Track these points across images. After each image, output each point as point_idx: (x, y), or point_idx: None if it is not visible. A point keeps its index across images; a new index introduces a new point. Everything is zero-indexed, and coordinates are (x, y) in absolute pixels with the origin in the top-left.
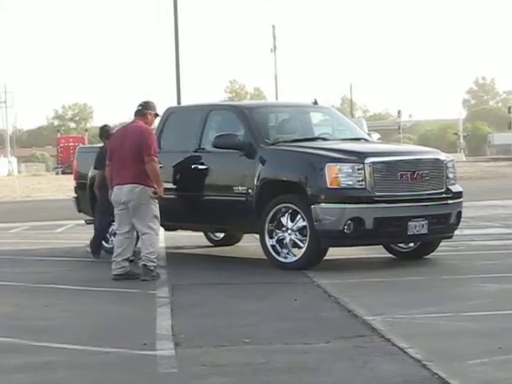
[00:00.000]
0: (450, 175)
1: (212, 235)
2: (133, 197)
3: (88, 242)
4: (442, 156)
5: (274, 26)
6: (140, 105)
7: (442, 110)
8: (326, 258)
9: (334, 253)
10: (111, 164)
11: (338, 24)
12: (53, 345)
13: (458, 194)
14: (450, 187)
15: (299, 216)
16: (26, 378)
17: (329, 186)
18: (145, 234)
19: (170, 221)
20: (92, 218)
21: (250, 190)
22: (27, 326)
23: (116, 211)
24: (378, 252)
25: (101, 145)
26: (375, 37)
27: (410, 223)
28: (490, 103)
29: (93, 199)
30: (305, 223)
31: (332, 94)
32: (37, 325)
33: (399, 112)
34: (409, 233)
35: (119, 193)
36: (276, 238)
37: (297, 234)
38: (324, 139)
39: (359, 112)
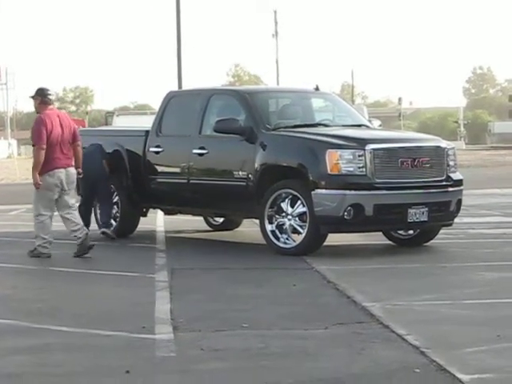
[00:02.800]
0: (451, 163)
1: (212, 220)
2: (74, 177)
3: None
4: (443, 143)
5: (275, 12)
6: (51, 94)
7: (442, 98)
8: (325, 244)
9: (333, 239)
10: (50, 147)
11: (340, 10)
12: (51, 327)
13: (459, 182)
14: (451, 175)
15: (299, 202)
16: (24, 359)
17: (329, 172)
18: (76, 210)
19: (170, 205)
20: None
21: (250, 175)
22: (26, 308)
23: (56, 193)
24: (377, 239)
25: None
26: (376, 25)
27: (409, 210)
28: (490, 92)
29: None
30: (305, 209)
31: (332, 80)
32: (35, 307)
33: (400, 99)
34: (409, 220)
35: (70, 174)
36: (276, 223)
37: (296, 219)
38: (325, 125)
39: (358, 99)
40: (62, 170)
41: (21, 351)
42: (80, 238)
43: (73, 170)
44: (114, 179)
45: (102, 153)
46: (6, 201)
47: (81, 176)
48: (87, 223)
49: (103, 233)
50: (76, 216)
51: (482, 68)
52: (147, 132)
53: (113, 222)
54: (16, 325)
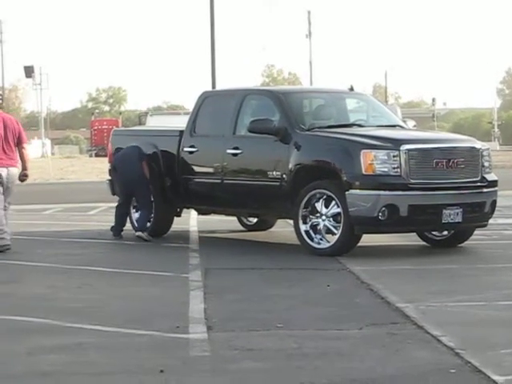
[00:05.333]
0: (486, 164)
1: (245, 220)
2: (15, 178)
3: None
4: (478, 144)
5: (309, 12)
6: (1, 98)
7: (476, 99)
8: (359, 244)
9: (366, 239)
10: None
11: (373, 11)
12: (86, 326)
13: (493, 183)
14: (485, 176)
15: (333, 202)
16: (59, 358)
17: (364, 172)
18: (7, 209)
19: (204, 205)
20: None
21: (284, 176)
22: (61, 308)
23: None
24: (411, 239)
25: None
26: (410, 25)
27: (444, 211)
28: None
29: None
30: (339, 209)
31: (365, 80)
32: (70, 306)
33: (433, 100)
34: (443, 221)
35: (11, 174)
36: (310, 223)
37: (331, 220)
38: (359, 126)
39: (391, 99)
40: (4, 169)
41: (55, 350)
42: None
43: (14, 170)
44: (149, 179)
45: (140, 154)
46: (40, 200)
47: (26, 178)
48: (122, 224)
49: (138, 236)
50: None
51: None
52: (181, 132)
53: (147, 223)
54: (50, 324)
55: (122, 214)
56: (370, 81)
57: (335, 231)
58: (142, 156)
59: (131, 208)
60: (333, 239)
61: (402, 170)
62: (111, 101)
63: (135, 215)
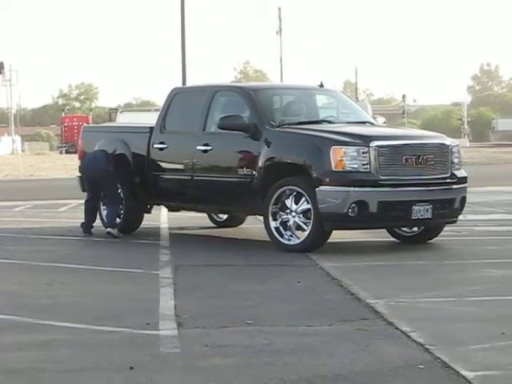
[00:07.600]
0: (455, 160)
1: (215, 216)
2: None
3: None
4: (448, 141)
5: (279, 9)
6: None
7: (446, 96)
8: (329, 240)
9: (337, 236)
10: None
11: (343, 7)
12: (56, 323)
13: (463, 180)
14: (455, 172)
15: (303, 198)
16: (29, 355)
17: (334, 168)
18: None
19: (174, 201)
20: None
21: (254, 172)
22: (30, 304)
23: None
24: (381, 236)
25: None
26: (380, 21)
27: (414, 207)
28: (494, 89)
29: None
30: (309, 206)
31: (335, 77)
32: (40, 303)
33: (404, 96)
34: (413, 217)
35: None
36: (280, 220)
37: (301, 216)
38: (329, 122)
39: (362, 96)
40: None
41: (24, 347)
42: None
43: None
44: (118, 176)
45: (107, 154)
46: (10, 197)
47: None
48: (92, 221)
49: (108, 233)
50: None
51: (490, 65)
52: (151, 128)
53: (117, 219)
54: (20, 321)
55: (91, 209)
56: (340, 77)
57: (305, 227)
58: (109, 156)
59: (100, 203)
60: (303, 235)
61: (372, 167)
62: (82, 97)
63: (104, 211)
